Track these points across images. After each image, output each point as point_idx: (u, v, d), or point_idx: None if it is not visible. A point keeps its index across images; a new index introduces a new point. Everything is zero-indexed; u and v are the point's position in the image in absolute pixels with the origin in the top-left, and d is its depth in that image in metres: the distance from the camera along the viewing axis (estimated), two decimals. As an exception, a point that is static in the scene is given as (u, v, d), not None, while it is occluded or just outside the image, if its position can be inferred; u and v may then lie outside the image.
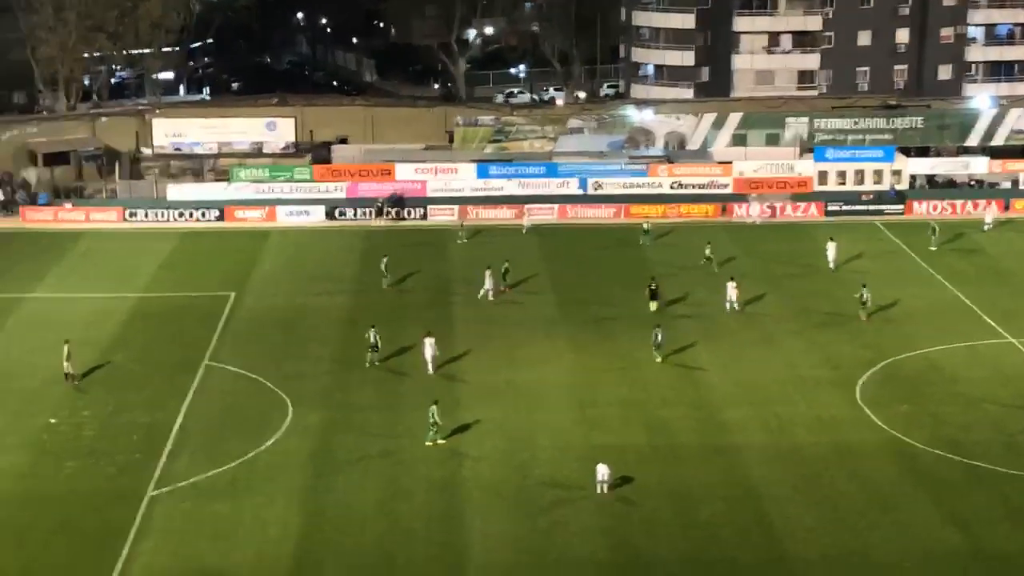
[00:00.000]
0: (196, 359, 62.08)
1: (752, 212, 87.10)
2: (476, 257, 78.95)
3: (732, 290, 68.26)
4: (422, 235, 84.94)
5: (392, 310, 68.70)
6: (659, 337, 62.06)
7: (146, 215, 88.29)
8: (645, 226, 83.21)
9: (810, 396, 57.48)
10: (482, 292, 70.83)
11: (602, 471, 48.17)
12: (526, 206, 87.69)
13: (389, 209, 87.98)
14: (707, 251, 77.08)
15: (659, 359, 61.66)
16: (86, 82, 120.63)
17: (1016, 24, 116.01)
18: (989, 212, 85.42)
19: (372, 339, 61.13)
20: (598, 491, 48.14)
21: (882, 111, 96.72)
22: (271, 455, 51.65)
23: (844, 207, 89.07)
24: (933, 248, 79.77)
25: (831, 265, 75.99)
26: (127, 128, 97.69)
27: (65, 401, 57.01)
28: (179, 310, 69.77)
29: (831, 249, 76.44)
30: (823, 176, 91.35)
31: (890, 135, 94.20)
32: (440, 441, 52.05)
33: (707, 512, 47.11)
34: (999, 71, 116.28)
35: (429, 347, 59.97)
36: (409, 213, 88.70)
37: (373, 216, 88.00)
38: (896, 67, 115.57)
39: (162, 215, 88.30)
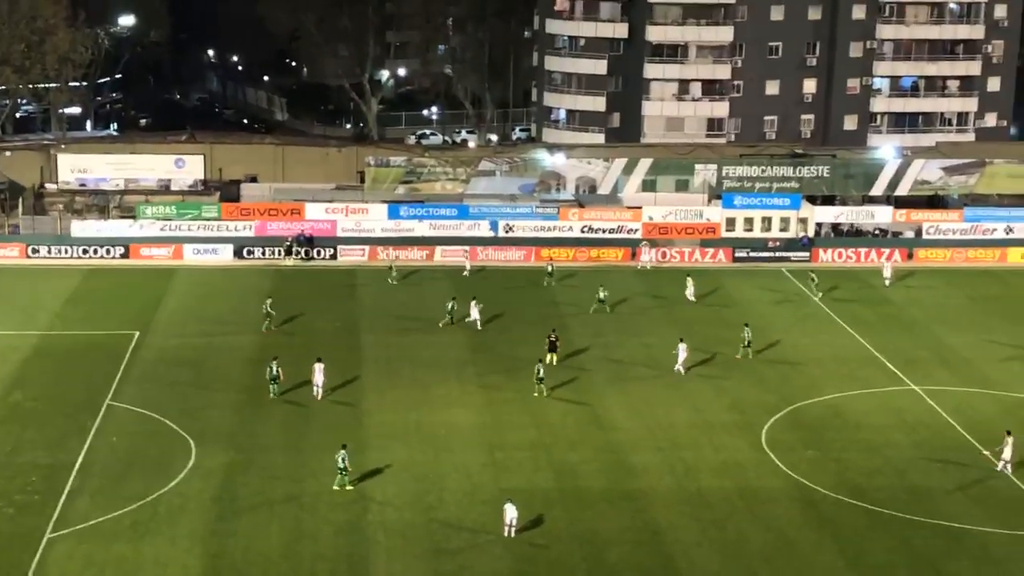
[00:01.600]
0: (99, 399, 61.03)
1: (643, 258, 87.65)
2: (395, 298, 78.85)
3: (683, 351, 66.53)
4: (334, 275, 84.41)
5: (298, 349, 68.06)
6: (541, 371, 62.66)
7: (49, 251, 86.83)
8: (549, 268, 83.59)
9: (716, 440, 57.84)
10: (470, 319, 72.66)
11: (510, 513, 48.00)
12: (474, 248, 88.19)
13: (298, 249, 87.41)
14: (600, 294, 77.69)
15: (542, 394, 62.22)
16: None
17: (920, 76, 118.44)
18: (888, 266, 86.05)
19: (273, 371, 61.50)
20: (506, 534, 47.95)
21: (789, 159, 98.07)
22: (173, 497, 50.83)
23: (752, 253, 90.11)
24: (816, 297, 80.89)
25: (691, 299, 79.09)
26: (31, 163, 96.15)
27: (-39, 440, 55.71)
28: (82, 349, 68.62)
29: (689, 285, 79.51)
30: (731, 222, 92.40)
31: (797, 183, 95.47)
32: (348, 487, 51.53)
33: (614, 556, 47.11)
34: (903, 122, 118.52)
35: (319, 372, 61.61)
36: (319, 253, 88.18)
37: (283, 255, 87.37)
38: (803, 116, 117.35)
39: (66, 251, 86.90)
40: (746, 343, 68.51)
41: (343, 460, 51.54)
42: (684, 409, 61.57)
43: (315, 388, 61.66)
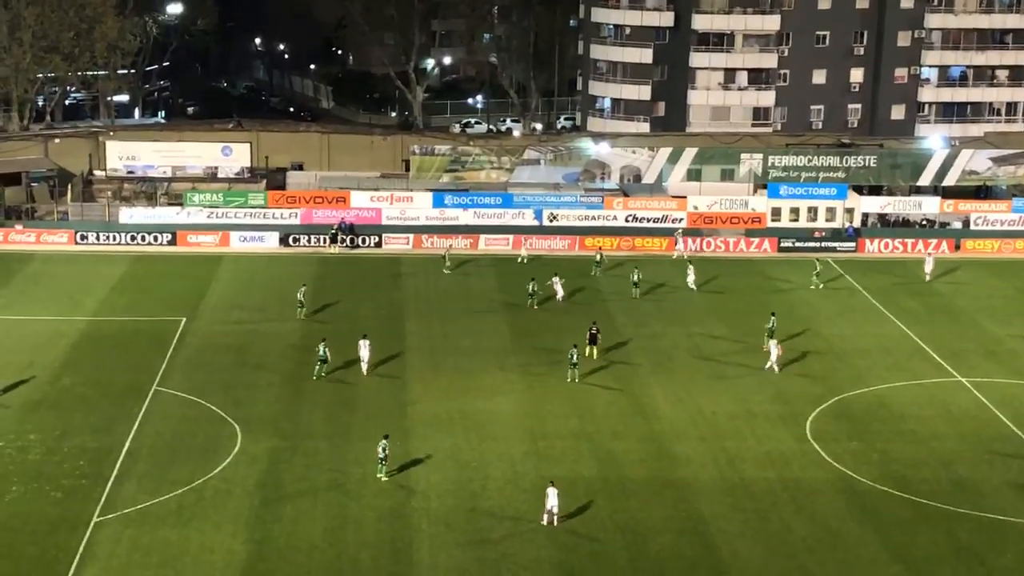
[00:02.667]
0: (146, 384, 61.56)
1: (678, 247, 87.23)
2: (439, 286, 79.13)
3: (776, 349, 65.98)
4: (379, 263, 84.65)
5: (344, 336, 68.34)
6: (575, 357, 62.99)
7: (98, 238, 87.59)
8: (597, 257, 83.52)
9: (760, 431, 57.69)
10: (559, 296, 75.37)
11: (551, 499, 48.05)
12: (518, 236, 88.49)
13: (343, 237, 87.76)
14: (634, 276, 78.45)
15: (574, 380, 62.57)
16: (40, 102, 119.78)
17: (968, 66, 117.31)
18: (930, 260, 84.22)
19: (322, 352, 62.76)
20: (545, 521, 48.02)
21: (835, 149, 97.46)
22: (219, 482, 51.22)
23: (797, 243, 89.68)
24: (819, 287, 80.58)
25: (691, 287, 79.41)
26: (80, 150, 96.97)
27: (11, 424, 56.33)
28: (129, 334, 69.20)
29: (691, 273, 79.95)
30: (776, 212, 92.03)
31: (843, 173, 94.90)
32: (383, 478, 51.67)
33: (657, 545, 47.11)
34: (951, 112, 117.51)
35: (364, 348, 63.61)
36: (364, 241, 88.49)
37: (328, 243, 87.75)
38: (850, 106, 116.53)
39: (114, 238, 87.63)
40: (770, 331, 68.02)
41: (384, 450, 51.79)
42: (727, 399, 61.42)
43: (362, 364, 63.41)
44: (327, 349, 62.96)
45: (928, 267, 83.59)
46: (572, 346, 64.05)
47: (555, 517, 48.14)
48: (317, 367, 62.93)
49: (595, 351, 66.64)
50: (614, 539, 47.50)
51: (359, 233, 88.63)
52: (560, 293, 75.88)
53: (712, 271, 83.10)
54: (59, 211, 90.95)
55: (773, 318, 68.88)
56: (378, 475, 51.65)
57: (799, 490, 51.76)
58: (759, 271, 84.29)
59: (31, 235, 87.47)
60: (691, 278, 79.86)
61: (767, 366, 65.37)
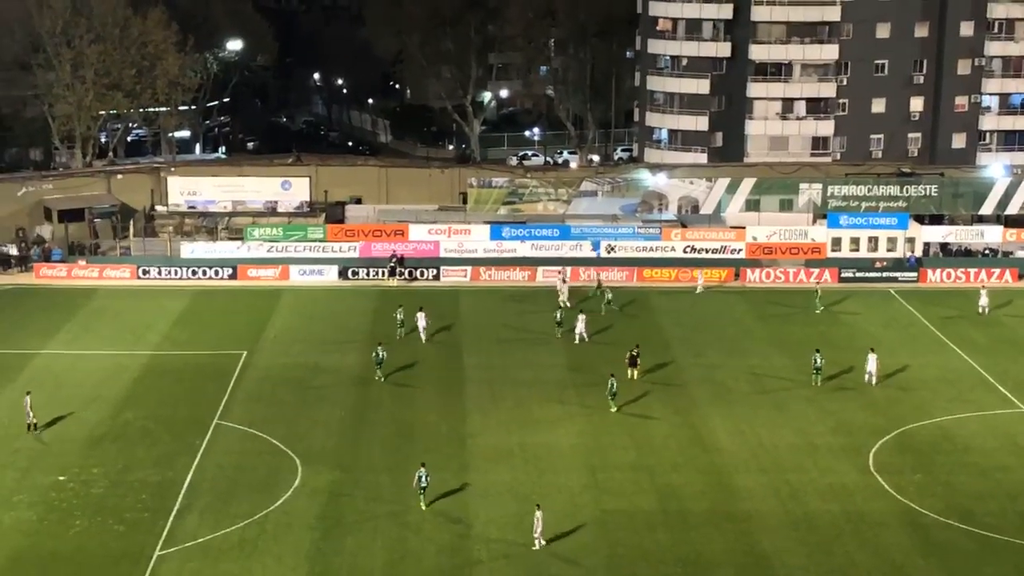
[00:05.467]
0: (207, 418, 62.00)
1: (699, 281, 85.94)
2: (496, 319, 79.16)
3: (873, 362, 67.41)
4: (437, 296, 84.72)
5: (402, 369, 68.68)
6: (614, 386, 62.95)
7: (159, 272, 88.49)
8: (598, 291, 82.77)
9: (822, 463, 57.16)
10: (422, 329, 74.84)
11: (538, 522, 48.27)
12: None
13: (402, 270, 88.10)
14: (608, 295, 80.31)
15: (614, 408, 62.50)
16: (102, 139, 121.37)
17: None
18: (983, 294, 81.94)
19: (380, 355, 67.23)
20: (537, 546, 48.12)
21: (896, 178, 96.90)
22: (280, 515, 51.43)
23: (858, 273, 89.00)
24: (819, 311, 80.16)
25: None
26: (142, 185, 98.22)
27: (75, 458, 56.91)
28: (191, 368, 69.76)
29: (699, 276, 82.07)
30: (836, 242, 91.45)
31: (904, 202, 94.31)
32: (423, 507, 51.76)
33: (718, 580, 46.77)
34: (1013, 140, 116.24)
35: (422, 319, 73.22)
36: (422, 273, 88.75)
37: (387, 276, 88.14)
38: (910, 135, 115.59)
39: (175, 273, 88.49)
40: (816, 369, 67.31)
41: (424, 479, 51.85)
42: (788, 431, 60.95)
43: (420, 333, 73.16)
44: (384, 352, 67.09)
45: (983, 301, 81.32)
46: (610, 375, 64.00)
47: (539, 539, 48.38)
48: (376, 369, 66.94)
49: (635, 373, 67.24)
50: (675, 573, 47.19)
51: (410, 266, 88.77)
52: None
53: (772, 302, 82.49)
54: (122, 246, 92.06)
55: (818, 354, 67.86)
56: (423, 507, 51.72)
57: (863, 523, 51.21)
58: (821, 302, 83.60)
59: (94, 270, 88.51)
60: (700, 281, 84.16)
61: (867, 379, 66.95)
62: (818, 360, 67.28)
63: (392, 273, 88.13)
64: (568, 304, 79.32)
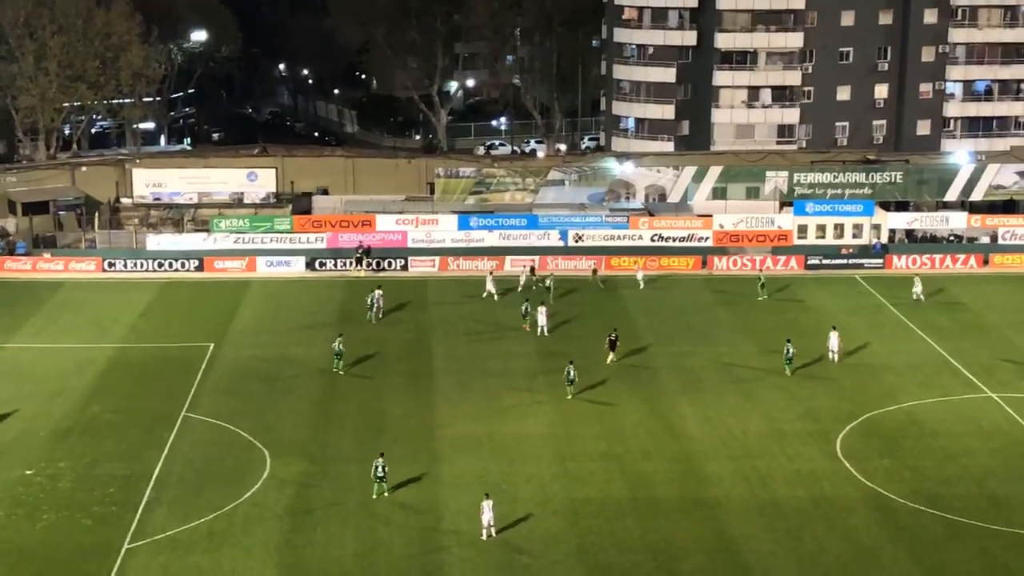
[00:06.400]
0: (175, 410, 61.71)
1: (639, 276, 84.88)
2: (464, 309, 79.06)
3: (835, 340, 68.78)
4: (405, 286, 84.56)
5: (372, 360, 68.58)
6: (571, 373, 63.23)
7: (125, 265, 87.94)
8: (529, 277, 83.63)
9: (790, 449, 57.40)
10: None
11: (487, 514, 48.33)
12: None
13: (370, 260, 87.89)
14: (547, 282, 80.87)
15: (570, 396, 62.89)
16: (66, 131, 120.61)
17: (994, 80, 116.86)
18: (918, 282, 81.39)
19: (338, 347, 66.94)
20: (484, 536, 48.23)
21: (861, 165, 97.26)
22: (249, 507, 51.27)
23: (824, 260, 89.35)
24: (762, 298, 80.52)
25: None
26: (107, 178, 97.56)
27: (41, 452, 56.54)
28: (158, 361, 69.41)
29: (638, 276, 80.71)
30: (803, 229, 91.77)
31: (869, 189, 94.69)
32: (385, 494, 51.79)
33: (689, 566, 46.91)
34: (977, 127, 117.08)
35: (378, 298, 75.84)
36: (390, 264, 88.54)
37: (353, 266, 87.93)
38: (875, 122, 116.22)
39: (141, 265, 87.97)
40: (787, 359, 67.36)
41: (381, 468, 51.83)
42: (757, 418, 61.18)
43: (375, 312, 75.91)
44: (342, 344, 66.95)
45: (917, 288, 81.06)
46: (568, 363, 64.15)
47: (492, 529, 48.43)
48: (335, 361, 66.68)
49: (614, 356, 68.01)
50: (646, 560, 47.30)
51: (379, 257, 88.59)
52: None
53: (739, 289, 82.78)
54: (87, 239, 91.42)
55: (789, 344, 67.84)
56: (375, 495, 51.73)
57: (831, 508, 51.48)
58: (786, 289, 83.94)
59: (59, 263, 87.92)
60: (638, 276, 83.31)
61: (831, 357, 68.18)
62: (789, 350, 67.38)
63: (359, 262, 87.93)
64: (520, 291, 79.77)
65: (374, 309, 76.60)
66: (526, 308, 75.13)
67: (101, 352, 70.61)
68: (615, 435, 58.91)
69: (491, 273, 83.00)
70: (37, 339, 73.22)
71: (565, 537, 48.66)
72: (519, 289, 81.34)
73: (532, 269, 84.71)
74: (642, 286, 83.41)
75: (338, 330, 70.78)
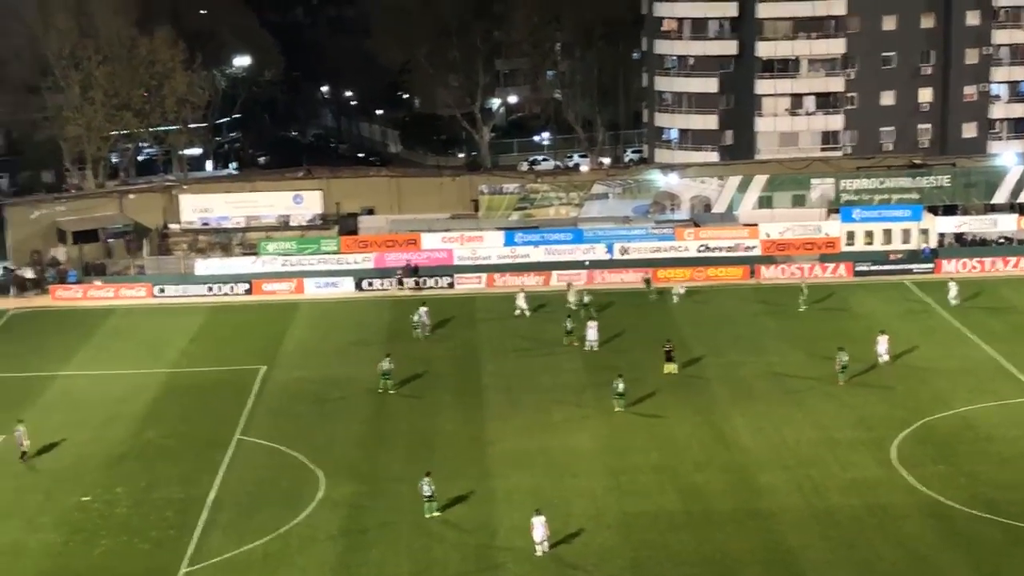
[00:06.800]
0: (228, 433, 62.09)
1: (676, 291, 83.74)
2: (513, 325, 79.14)
3: (884, 343, 68.54)
4: (452, 304, 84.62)
5: (421, 378, 68.80)
6: (620, 386, 62.86)
7: (175, 290, 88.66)
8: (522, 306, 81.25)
9: (843, 458, 57.03)
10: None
11: (540, 530, 48.09)
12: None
13: (412, 279, 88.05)
14: (585, 298, 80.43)
15: (618, 409, 62.62)
16: (113, 159, 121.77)
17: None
18: (953, 286, 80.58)
19: (386, 367, 66.92)
20: (538, 552, 48.00)
21: (908, 170, 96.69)
22: (304, 528, 51.49)
23: (873, 266, 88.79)
24: (802, 309, 79.64)
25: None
26: (155, 204, 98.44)
27: (98, 478, 57.03)
28: (210, 385, 69.89)
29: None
30: (851, 236, 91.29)
31: (917, 194, 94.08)
32: (436, 514, 51.76)
33: (744, 578, 46.72)
34: (1023, 128, 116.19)
35: (424, 315, 76.64)
36: (436, 282, 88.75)
37: (395, 285, 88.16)
38: (920, 126, 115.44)
39: (191, 290, 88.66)
40: (841, 368, 66.73)
41: (428, 487, 51.81)
42: (809, 426, 60.83)
43: (423, 329, 76.36)
44: (391, 363, 67.03)
45: (952, 292, 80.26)
46: (617, 375, 64.02)
47: (546, 544, 48.30)
48: (382, 380, 66.62)
49: (672, 367, 68.04)
50: (701, 573, 47.11)
51: (426, 275, 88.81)
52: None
53: (788, 298, 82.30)
54: (136, 265, 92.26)
55: (841, 352, 67.13)
56: (427, 515, 51.70)
57: (886, 516, 51.08)
58: (835, 296, 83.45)
59: (110, 290, 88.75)
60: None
61: (880, 360, 67.76)
62: (843, 359, 66.78)
63: (400, 282, 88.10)
64: (573, 307, 79.42)
65: (420, 327, 76.78)
66: (569, 325, 74.88)
67: (153, 377, 71.17)
68: (667, 447, 58.74)
69: (522, 290, 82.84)
70: (90, 366, 73.89)
71: (619, 551, 48.54)
72: (572, 306, 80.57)
73: (569, 285, 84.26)
74: (676, 300, 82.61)
75: (386, 349, 71.03)
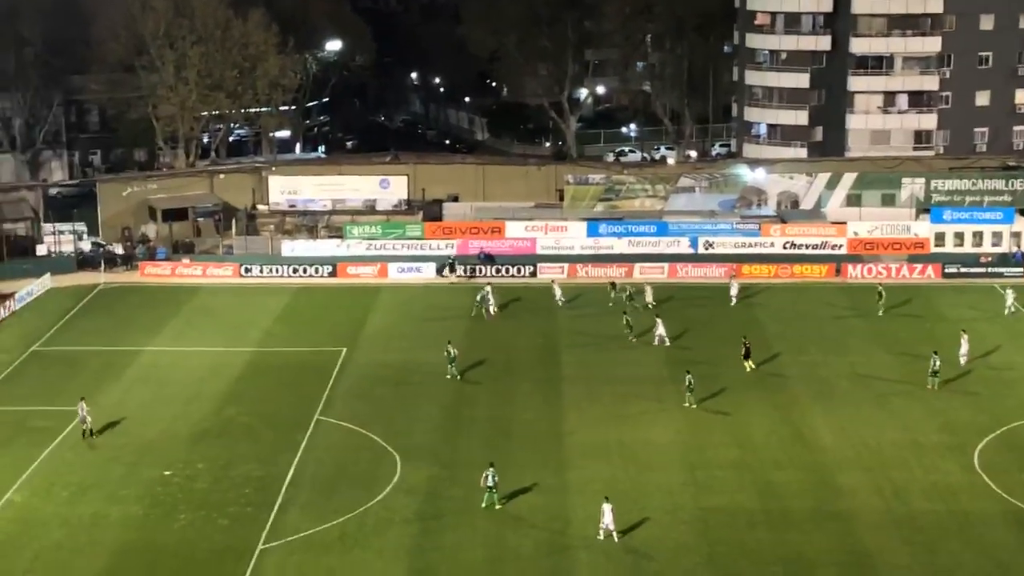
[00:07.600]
0: (308, 414, 62.63)
1: (732, 292, 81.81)
2: (592, 316, 78.96)
3: (965, 344, 67.85)
4: (533, 293, 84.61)
5: (499, 366, 68.90)
6: (691, 382, 62.47)
7: (261, 271, 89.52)
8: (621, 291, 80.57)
9: (926, 461, 56.28)
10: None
11: (607, 514, 48.23)
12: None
13: (459, 267, 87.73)
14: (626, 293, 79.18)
15: (690, 404, 62.28)
16: (205, 139, 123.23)
17: None
18: (1010, 295, 78.87)
19: (451, 353, 67.12)
20: (602, 536, 48.09)
21: (1001, 172, 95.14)
22: (380, 510, 51.81)
23: (962, 269, 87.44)
24: (880, 313, 77.96)
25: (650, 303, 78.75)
26: (244, 185, 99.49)
27: (180, 454, 57.80)
28: (292, 365, 70.50)
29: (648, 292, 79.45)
30: (940, 237, 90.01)
31: (1009, 196, 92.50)
32: (498, 505, 51.68)
33: (820, 579, 46.29)
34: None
35: (488, 293, 77.80)
36: (519, 270, 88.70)
37: (447, 272, 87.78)
38: (1015, 128, 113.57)
39: (277, 271, 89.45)
40: (933, 371, 65.40)
41: (492, 478, 51.68)
42: (891, 429, 60.09)
43: (489, 308, 77.57)
44: (455, 349, 67.20)
45: (1009, 301, 78.47)
46: (686, 371, 63.68)
47: (613, 533, 48.16)
48: (450, 366, 66.76)
49: (750, 364, 67.50)
50: (777, 572, 46.76)
51: (501, 263, 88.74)
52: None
53: (873, 298, 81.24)
54: (224, 245, 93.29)
55: (936, 356, 65.68)
56: (484, 504, 51.53)
57: (968, 522, 50.35)
58: (923, 297, 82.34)
59: (198, 268, 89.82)
60: (649, 296, 79.36)
61: (961, 361, 66.93)
62: (936, 363, 65.50)
63: (451, 269, 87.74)
64: (650, 305, 78.77)
65: (485, 306, 77.43)
66: (627, 321, 74.10)
67: (237, 356, 71.93)
68: (745, 444, 58.33)
69: (553, 281, 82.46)
70: (176, 343, 74.87)
71: (695, 546, 48.32)
72: (650, 304, 79.79)
73: (613, 284, 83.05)
74: (734, 303, 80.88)
75: (463, 335, 71.07)
